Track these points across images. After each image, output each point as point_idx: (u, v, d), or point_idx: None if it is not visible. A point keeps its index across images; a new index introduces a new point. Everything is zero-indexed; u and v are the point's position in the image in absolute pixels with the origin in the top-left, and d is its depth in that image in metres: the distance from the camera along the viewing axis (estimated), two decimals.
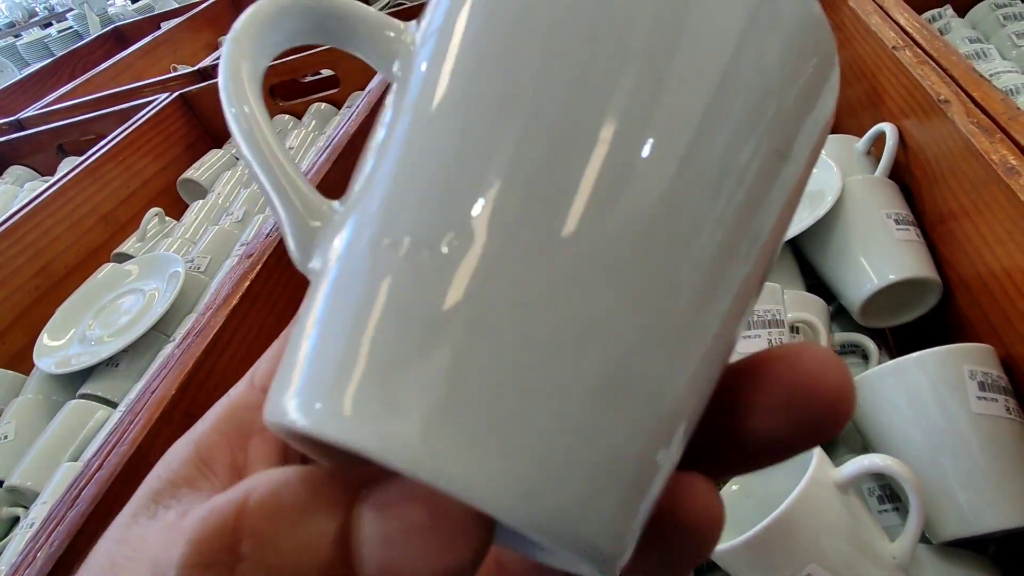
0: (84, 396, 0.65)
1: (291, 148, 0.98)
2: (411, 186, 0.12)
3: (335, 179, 0.65)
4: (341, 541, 0.11)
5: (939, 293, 0.53)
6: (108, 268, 0.80)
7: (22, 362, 0.74)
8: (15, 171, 1.14)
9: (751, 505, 0.40)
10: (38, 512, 0.53)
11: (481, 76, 0.12)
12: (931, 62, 0.55)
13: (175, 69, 1.36)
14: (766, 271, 0.13)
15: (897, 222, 0.54)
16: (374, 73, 0.89)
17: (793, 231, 0.57)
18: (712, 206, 0.11)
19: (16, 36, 3.01)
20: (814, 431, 0.13)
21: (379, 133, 0.13)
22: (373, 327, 0.11)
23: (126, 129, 0.97)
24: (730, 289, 0.12)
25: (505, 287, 0.10)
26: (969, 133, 0.47)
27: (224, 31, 1.61)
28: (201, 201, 0.93)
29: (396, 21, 0.14)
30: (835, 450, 0.49)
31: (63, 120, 1.11)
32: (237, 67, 0.13)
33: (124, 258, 0.85)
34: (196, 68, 1.13)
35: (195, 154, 1.06)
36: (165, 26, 1.59)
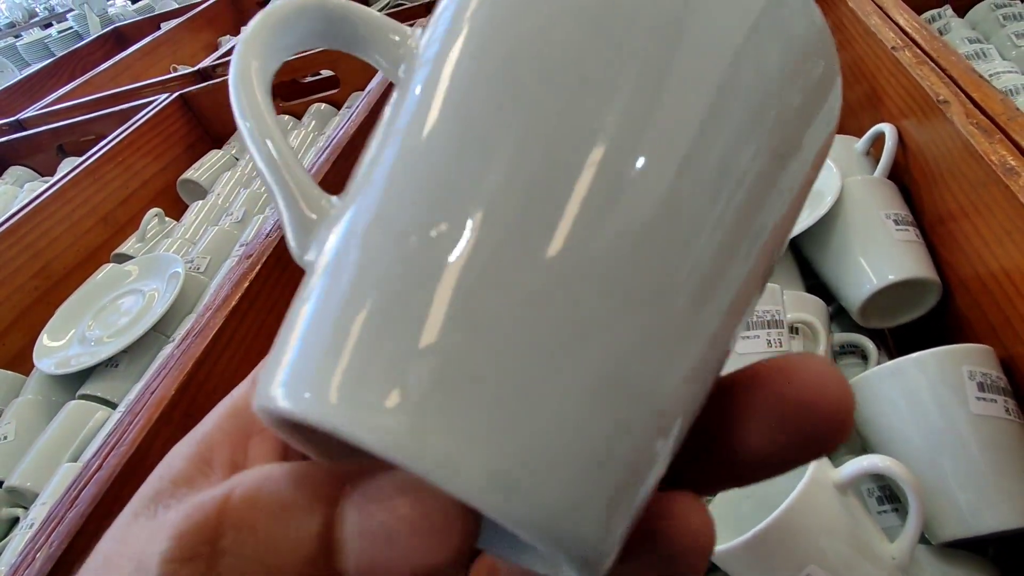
0: (84, 397, 0.65)
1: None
2: (408, 183, 0.12)
3: (335, 179, 0.65)
4: (325, 536, 0.11)
5: (938, 294, 0.53)
6: (108, 269, 0.80)
7: (22, 363, 0.74)
8: (15, 171, 1.14)
9: (750, 506, 0.40)
10: (38, 512, 0.53)
11: (483, 79, 0.12)
12: (930, 62, 0.55)
13: (175, 69, 1.36)
14: (766, 275, 0.13)
15: (896, 223, 0.54)
16: (374, 74, 0.89)
17: (792, 231, 0.57)
18: (712, 210, 0.11)
19: (16, 36, 3.01)
20: (812, 445, 0.13)
21: (379, 133, 0.13)
22: (362, 315, 0.11)
23: (126, 130, 0.97)
24: (728, 292, 0.12)
25: (497, 281, 0.10)
26: (968, 134, 0.47)
27: (224, 31, 1.62)
28: (201, 201, 0.93)
29: (402, 26, 0.15)
30: (834, 451, 0.49)
31: (63, 121, 1.11)
32: (247, 64, 0.14)
33: (124, 259, 0.85)
34: (196, 68, 1.12)
35: (195, 154, 1.06)
36: (165, 26, 1.59)
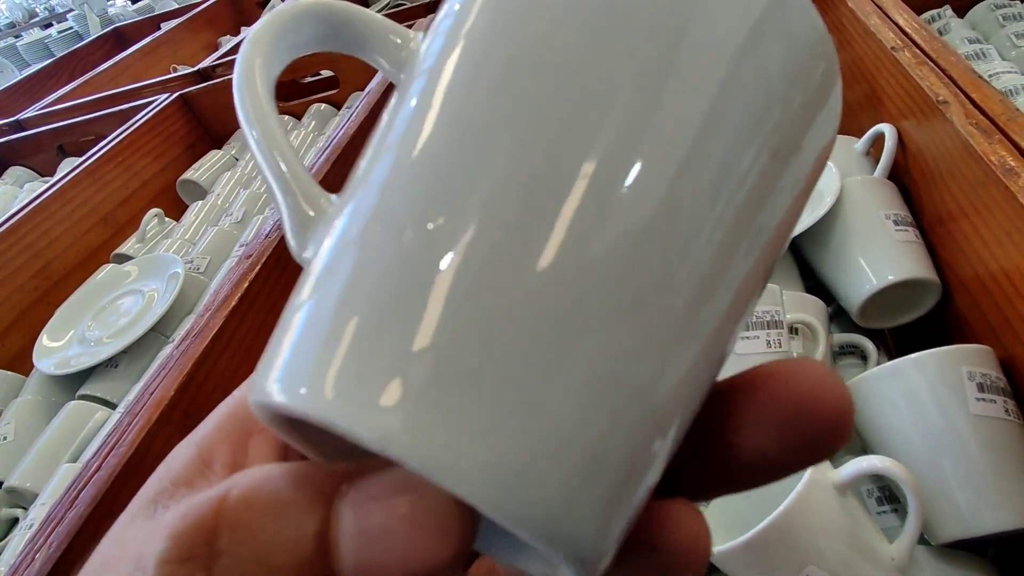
0: (83, 397, 0.65)
1: None
2: (407, 181, 0.12)
3: (334, 180, 0.65)
4: (321, 536, 0.11)
5: (938, 294, 0.53)
6: (107, 269, 0.80)
7: (21, 363, 0.74)
8: (15, 172, 1.14)
9: (750, 506, 0.40)
10: (37, 513, 0.53)
11: (483, 81, 0.12)
12: (930, 63, 0.55)
13: (175, 70, 1.36)
14: (765, 277, 0.13)
15: (896, 223, 0.54)
16: (374, 74, 0.89)
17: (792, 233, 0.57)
18: (711, 214, 0.11)
19: (16, 37, 3.01)
20: (810, 451, 0.12)
21: (379, 133, 0.13)
22: (359, 310, 0.11)
23: (126, 130, 0.97)
24: (726, 294, 0.12)
25: (494, 280, 0.10)
26: (968, 134, 0.47)
27: (224, 32, 1.62)
28: (201, 202, 0.93)
29: (404, 29, 0.15)
30: (832, 456, 0.49)
31: (63, 121, 1.11)
32: (252, 63, 0.14)
33: (124, 259, 0.86)
34: (196, 69, 1.12)
35: (195, 155, 1.06)
36: (165, 27, 1.59)
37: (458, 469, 0.10)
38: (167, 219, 0.94)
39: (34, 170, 1.15)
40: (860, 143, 0.65)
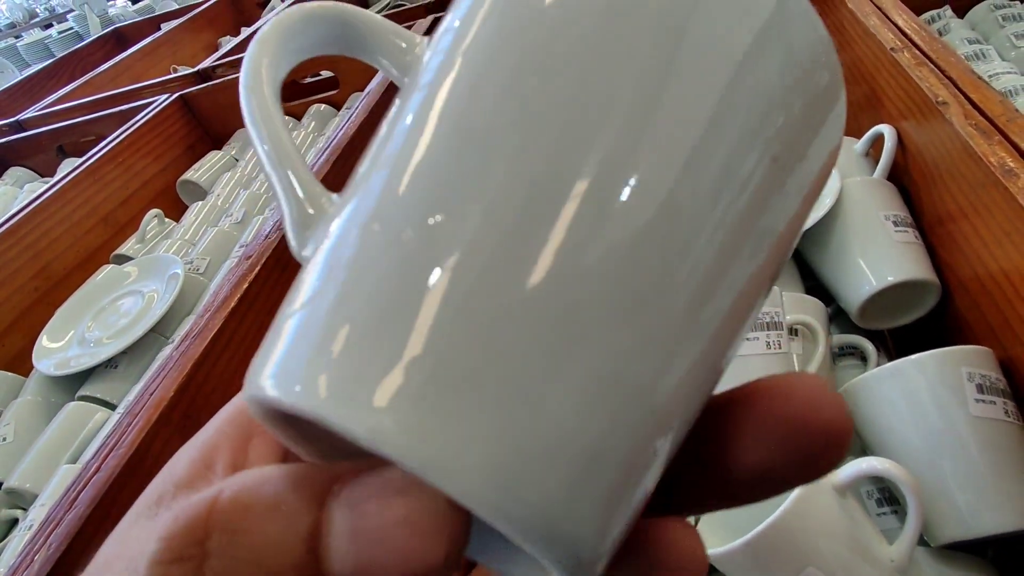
0: (83, 398, 0.65)
1: None
2: (407, 182, 0.12)
3: (334, 180, 0.65)
4: (313, 538, 0.11)
5: (937, 295, 0.53)
6: (107, 270, 0.80)
7: (21, 364, 0.74)
8: (15, 172, 1.14)
9: (749, 507, 0.40)
10: (37, 514, 0.53)
11: (486, 84, 0.12)
12: (929, 64, 0.55)
13: (175, 70, 1.36)
14: (770, 280, 0.13)
15: (896, 224, 0.54)
16: (373, 75, 0.89)
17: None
18: (712, 220, 0.11)
19: (17, 37, 3.01)
20: (808, 467, 0.12)
21: (381, 134, 0.13)
22: (358, 306, 0.11)
23: (126, 130, 0.97)
24: (728, 298, 0.12)
25: (493, 281, 0.10)
26: (967, 135, 0.47)
27: (224, 32, 1.62)
28: (201, 202, 0.93)
29: (409, 33, 0.15)
30: (829, 473, 0.49)
31: (63, 121, 1.11)
32: (259, 62, 0.14)
33: (123, 259, 0.86)
34: (196, 69, 1.13)
35: (195, 155, 1.06)
36: (165, 27, 1.59)
37: (453, 469, 0.09)
38: (167, 220, 0.94)
39: (34, 171, 1.15)
40: (860, 144, 0.65)
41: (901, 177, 0.61)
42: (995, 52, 0.75)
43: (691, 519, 0.33)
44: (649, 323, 0.11)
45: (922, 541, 0.41)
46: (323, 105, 1.08)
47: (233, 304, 0.50)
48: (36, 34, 2.93)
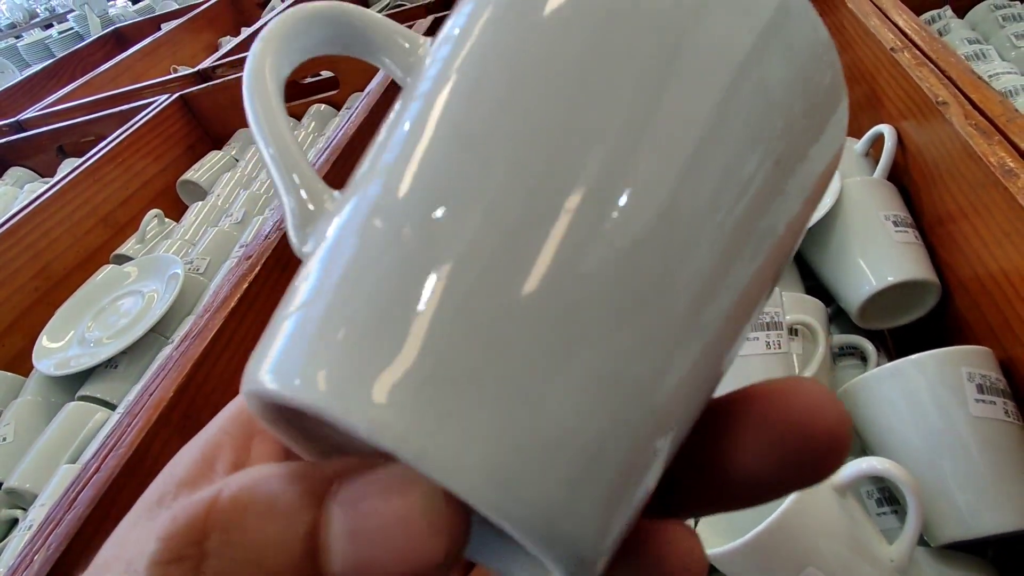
0: (83, 398, 0.65)
1: None
2: (409, 179, 0.12)
3: (334, 180, 0.64)
4: (311, 537, 0.11)
5: (937, 295, 0.53)
6: (107, 270, 0.80)
7: (21, 364, 0.74)
8: (15, 172, 1.14)
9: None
10: (37, 514, 0.53)
11: (488, 87, 0.12)
12: (929, 64, 0.55)
13: (175, 70, 1.36)
14: (773, 280, 0.13)
15: (896, 224, 0.54)
16: (373, 75, 0.89)
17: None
18: (713, 223, 0.11)
19: (17, 37, 3.01)
20: (806, 472, 0.12)
21: (383, 132, 0.13)
22: (358, 301, 0.11)
23: (126, 130, 0.97)
24: (729, 300, 0.12)
25: (494, 279, 0.10)
26: (967, 135, 0.47)
27: (224, 32, 1.62)
28: (201, 203, 0.93)
29: (413, 34, 0.15)
30: (828, 477, 0.49)
31: (63, 121, 1.11)
32: (263, 60, 0.14)
33: (123, 260, 0.86)
34: (196, 69, 1.12)
35: (195, 155, 1.06)
36: (165, 27, 1.59)
37: (453, 463, 0.09)
38: (167, 220, 0.94)
39: (34, 171, 1.15)
40: (860, 144, 0.65)
41: (901, 177, 0.61)
42: (995, 52, 0.75)
43: (690, 521, 0.33)
44: (649, 324, 0.11)
45: (922, 541, 0.41)
46: (323, 105, 1.08)
47: (233, 304, 0.50)
48: (36, 34, 2.93)
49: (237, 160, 1.05)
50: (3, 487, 0.59)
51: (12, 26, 3.29)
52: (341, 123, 0.77)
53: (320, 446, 0.13)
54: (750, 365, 0.44)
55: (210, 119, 1.09)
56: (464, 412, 0.10)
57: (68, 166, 0.98)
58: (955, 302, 0.53)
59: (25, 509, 0.58)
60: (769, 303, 0.46)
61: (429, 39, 0.14)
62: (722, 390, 0.13)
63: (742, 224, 0.12)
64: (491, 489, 0.09)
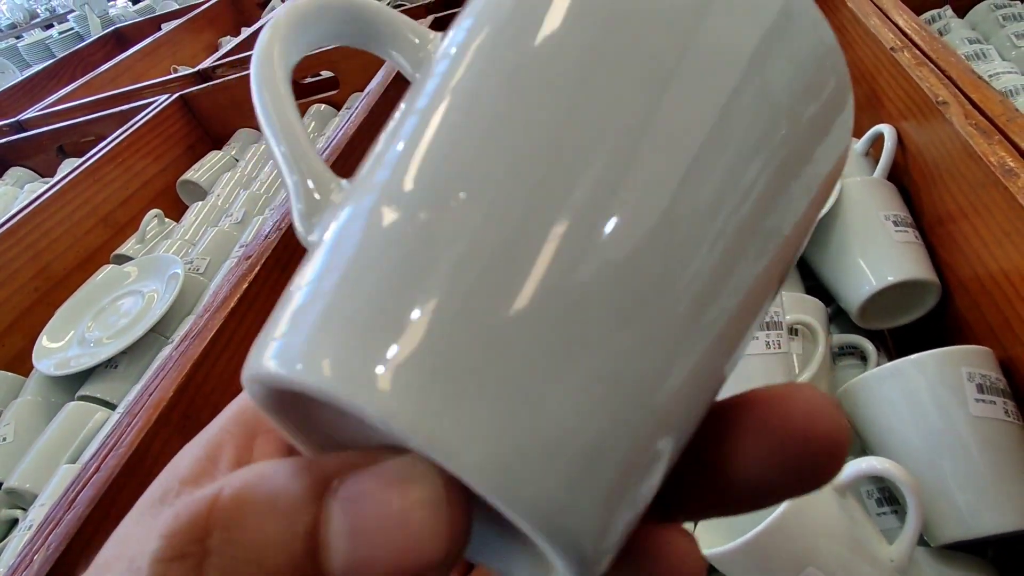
0: (83, 398, 0.65)
1: None
2: (417, 176, 0.12)
3: None
4: (312, 536, 0.11)
5: (938, 295, 0.53)
6: (107, 270, 0.80)
7: (21, 364, 0.74)
8: (15, 172, 1.14)
9: None
10: (36, 514, 0.53)
11: (495, 86, 0.12)
12: (929, 64, 0.55)
13: (175, 70, 1.36)
14: (779, 281, 0.13)
15: (896, 224, 0.54)
16: (373, 75, 0.89)
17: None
18: (716, 223, 0.11)
19: (17, 38, 3.01)
20: (804, 479, 0.12)
21: (391, 126, 0.13)
22: (364, 289, 0.11)
23: (126, 130, 0.97)
24: (731, 302, 0.12)
25: (498, 276, 0.10)
26: (967, 135, 0.47)
27: (224, 32, 1.62)
28: (201, 203, 0.93)
29: (423, 28, 0.15)
30: (825, 484, 0.49)
31: (63, 121, 1.11)
32: (271, 48, 0.14)
33: (123, 260, 0.86)
34: (196, 69, 1.13)
35: (195, 155, 1.06)
36: (166, 27, 1.59)
37: (462, 449, 0.09)
38: (167, 220, 0.94)
39: (34, 171, 1.15)
40: (860, 144, 0.65)
41: (901, 177, 0.61)
42: (995, 52, 0.75)
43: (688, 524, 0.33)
44: (650, 325, 0.11)
45: (922, 541, 0.41)
46: (323, 105, 1.08)
47: (233, 304, 0.50)
48: (37, 34, 2.93)
49: (237, 160, 1.05)
50: (3, 487, 0.59)
51: (12, 26, 3.29)
52: (341, 123, 0.77)
53: (320, 439, 0.13)
54: (750, 364, 0.44)
55: (210, 119, 1.09)
56: (469, 402, 0.10)
57: (68, 166, 0.99)
58: (955, 302, 0.53)
59: (25, 509, 0.58)
60: None
61: (439, 34, 0.14)
62: (722, 389, 0.13)
63: (745, 228, 0.12)
64: (497, 476, 0.09)
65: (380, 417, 0.10)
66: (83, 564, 0.36)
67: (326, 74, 1.09)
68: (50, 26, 3.11)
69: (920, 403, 0.42)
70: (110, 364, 0.67)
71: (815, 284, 0.59)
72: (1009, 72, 0.70)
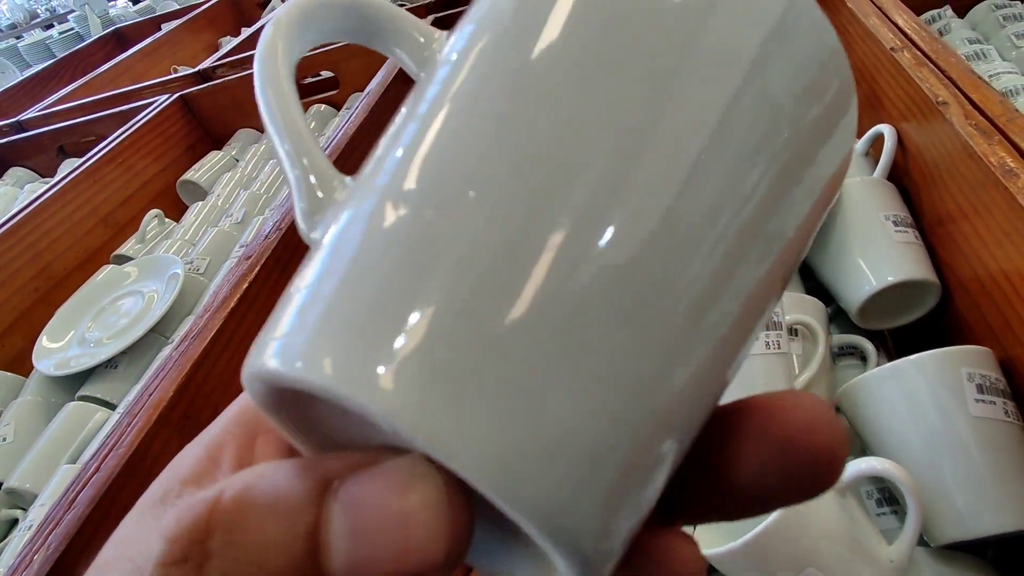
0: (83, 398, 0.65)
1: None
2: (419, 175, 0.12)
3: None
4: (312, 537, 0.11)
5: (937, 295, 0.53)
6: (107, 270, 0.80)
7: (21, 364, 0.74)
8: (15, 172, 1.14)
9: None
10: (36, 514, 0.53)
11: (498, 88, 0.12)
12: (929, 64, 0.55)
13: (175, 71, 1.36)
14: (783, 283, 0.13)
15: (895, 224, 0.54)
16: (373, 75, 0.89)
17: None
18: (718, 226, 0.11)
19: (18, 38, 3.01)
20: (802, 487, 0.12)
21: (395, 125, 0.13)
22: (364, 286, 0.11)
23: (126, 131, 0.97)
24: (733, 305, 0.12)
25: (500, 276, 0.10)
26: (967, 135, 0.47)
27: (225, 32, 1.62)
28: (201, 203, 0.93)
29: (428, 27, 0.15)
30: (824, 492, 0.49)
31: (64, 122, 1.11)
32: (274, 44, 0.14)
33: (123, 260, 0.86)
34: (196, 70, 1.13)
35: (195, 156, 1.06)
36: (166, 27, 1.59)
37: (462, 448, 0.09)
38: (167, 220, 0.94)
39: (35, 171, 1.15)
40: (859, 144, 0.65)
41: (901, 177, 0.61)
42: (995, 52, 0.75)
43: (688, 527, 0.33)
44: (650, 327, 0.11)
45: (922, 541, 0.41)
46: (323, 105, 1.08)
47: (233, 304, 0.50)
48: (37, 35, 2.93)
49: (237, 160, 1.05)
50: (3, 487, 0.59)
51: (13, 26, 3.29)
52: (341, 123, 0.77)
53: (319, 439, 0.13)
54: (750, 364, 0.44)
55: (210, 119, 1.09)
56: (471, 401, 0.10)
57: (68, 166, 0.99)
58: (955, 302, 0.53)
59: (25, 509, 0.58)
60: None
61: (445, 33, 0.14)
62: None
63: (747, 230, 0.12)
64: (499, 474, 0.09)
65: (383, 415, 0.10)
66: (83, 564, 0.36)
67: (326, 74, 1.09)
68: (50, 26, 3.11)
69: (920, 403, 0.42)
70: (110, 364, 0.67)
71: (815, 284, 0.59)
72: (1009, 72, 0.70)
